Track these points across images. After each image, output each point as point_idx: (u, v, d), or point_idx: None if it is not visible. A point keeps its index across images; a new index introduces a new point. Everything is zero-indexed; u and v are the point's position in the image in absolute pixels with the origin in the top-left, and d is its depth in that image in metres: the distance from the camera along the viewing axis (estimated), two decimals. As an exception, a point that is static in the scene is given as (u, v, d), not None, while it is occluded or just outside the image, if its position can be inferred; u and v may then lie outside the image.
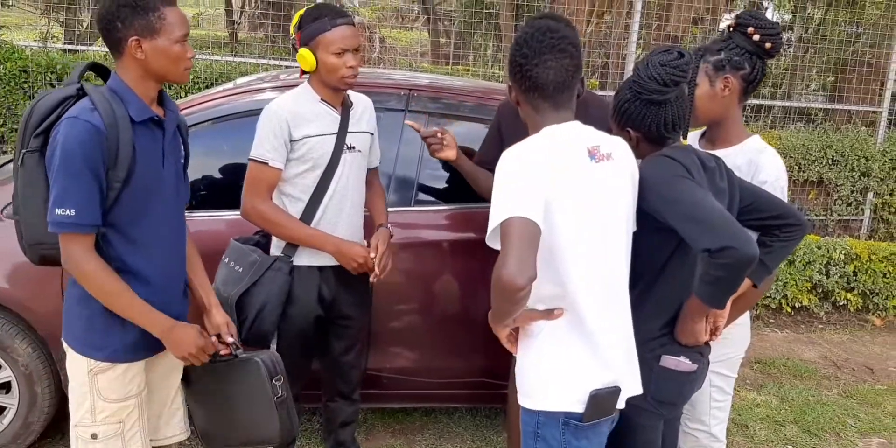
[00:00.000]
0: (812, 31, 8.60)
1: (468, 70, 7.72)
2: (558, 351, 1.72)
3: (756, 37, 2.12)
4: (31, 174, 1.79)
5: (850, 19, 7.52)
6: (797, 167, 5.99)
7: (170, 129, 1.91)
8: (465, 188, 2.72)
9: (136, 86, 1.80)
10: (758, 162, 2.13)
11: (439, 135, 2.53)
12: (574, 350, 1.72)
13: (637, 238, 1.85)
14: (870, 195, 6.24)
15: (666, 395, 1.91)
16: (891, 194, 6.27)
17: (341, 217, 2.42)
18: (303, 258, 2.41)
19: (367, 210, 2.58)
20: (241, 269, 2.37)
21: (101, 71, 1.95)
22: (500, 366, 2.74)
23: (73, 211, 1.70)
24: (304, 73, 2.37)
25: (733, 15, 2.23)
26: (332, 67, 2.27)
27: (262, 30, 10.93)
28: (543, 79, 1.70)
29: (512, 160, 1.67)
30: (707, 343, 1.96)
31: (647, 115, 1.86)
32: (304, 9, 2.29)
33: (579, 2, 5.80)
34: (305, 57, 2.26)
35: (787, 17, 11.46)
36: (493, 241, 1.62)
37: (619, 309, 1.79)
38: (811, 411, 3.73)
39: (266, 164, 2.30)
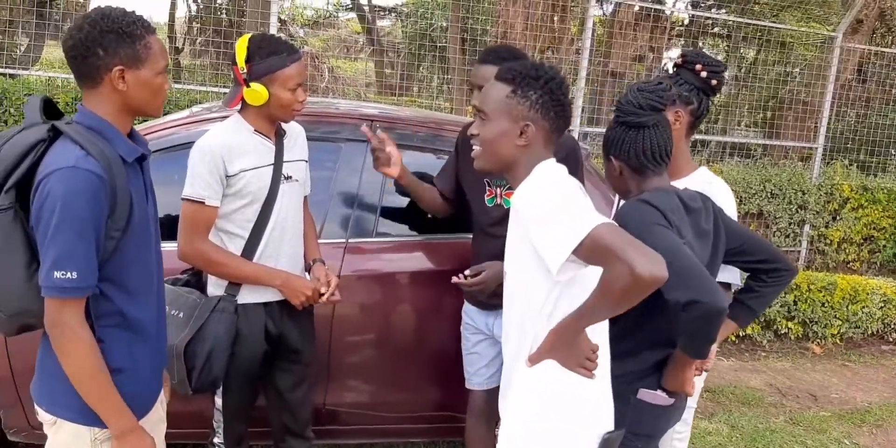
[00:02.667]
0: (745, 70, 9.01)
1: (413, 101, 7.78)
2: (569, 390, 1.65)
3: (704, 74, 2.20)
4: (5, 235, 1.55)
5: (781, 60, 7.89)
6: (738, 200, 6.19)
7: (147, 165, 1.75)
8: (427, 220, 2.71)
9: (113, 120, 1.63)
10: (710, 193, 2.17)
11: (387, 149, 2.44)
12: (585, 388, 1.65)
13: None
14: (806, 227, 6.50)
15: (641, 428, 1.91)
16: (826, 227, 6.54)
17: (282, 249, 2.33)
18: (246, 296, 2.30)
19: None
20: (181, 314, 2.24)
21: (48, 106, 1.69)
22: (458, 399, 2.72)
23: (74, 274, 1.50)
24: (241, 103, 2.24)
25: (679, 53, 2.31)
26: (286, 102, 2.20)
27: (207, 57, 10.83)
28: (568, 117, 1.75)
29: (542, 191, 1.61)
30: None
31: (625, 140, 1.88)
32: (247, 39, 2.17)
33: (529, 37, 5.93)
34: (259, 92, 2.15)
35: (720, 56, 11.98)
36: (564, 273, 1.53)
37: None
38: (761, 438, 3.80)
39: (202, 202, 2.17)
